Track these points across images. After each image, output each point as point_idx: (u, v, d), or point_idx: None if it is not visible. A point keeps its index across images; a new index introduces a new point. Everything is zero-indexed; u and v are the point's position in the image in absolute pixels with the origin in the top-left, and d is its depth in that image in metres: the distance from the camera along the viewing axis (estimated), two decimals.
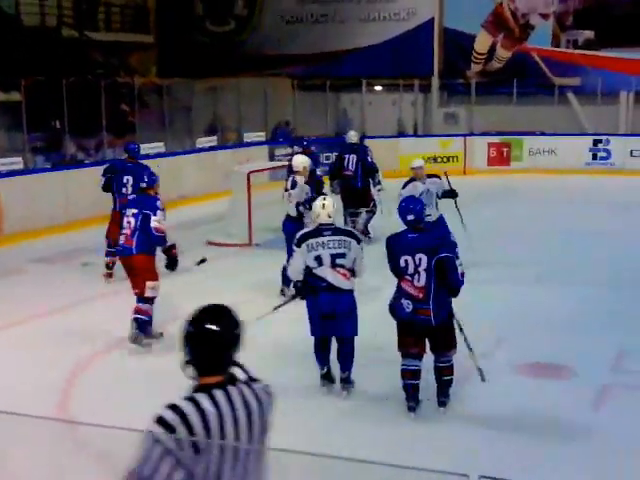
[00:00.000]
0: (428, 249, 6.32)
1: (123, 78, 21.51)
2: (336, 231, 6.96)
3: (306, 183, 9.95)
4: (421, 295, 6.33)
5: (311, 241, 6.84)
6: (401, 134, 22.70)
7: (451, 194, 10.39)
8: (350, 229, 8.24)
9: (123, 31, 25.20)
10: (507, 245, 12.16)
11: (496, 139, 21.22)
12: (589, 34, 23.19)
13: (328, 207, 6.99)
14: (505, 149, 21.09)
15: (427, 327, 6.39)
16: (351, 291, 6.89)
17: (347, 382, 7.00)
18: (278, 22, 25.41)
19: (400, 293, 6.45)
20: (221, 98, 20.13)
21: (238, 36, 25.89)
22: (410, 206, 6.53)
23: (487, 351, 7.81)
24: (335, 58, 24.48)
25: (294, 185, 9.92)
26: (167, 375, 7.06)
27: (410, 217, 6.45)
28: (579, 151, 20.74)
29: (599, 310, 9.19)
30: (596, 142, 20.96)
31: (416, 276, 6.33)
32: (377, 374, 7.22)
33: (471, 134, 21.84)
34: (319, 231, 6.91)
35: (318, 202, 7.11)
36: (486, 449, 5.92)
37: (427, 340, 6.54)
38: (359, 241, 6.99)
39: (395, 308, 6.48)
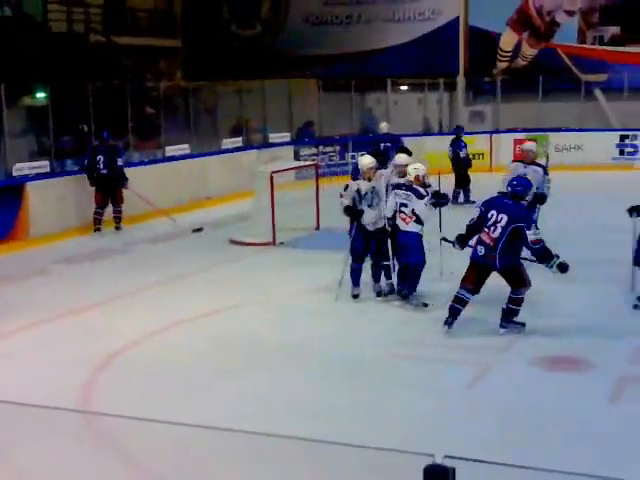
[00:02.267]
0: (512, 215, 7.99)
1: (150, 82, 21.71)
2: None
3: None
4: (492, 244, 7.99)
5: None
6: (427, 133, 22.70)
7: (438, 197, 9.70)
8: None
9: (150, 36, 25.44)
10: None
11: (522, 136, 21.12)
12: (615, 30, 23.08)
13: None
14: None
15: (492, 269, 8.11)
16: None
17: None
18: (303, 24, 25.56)
19: (478, 241, 8.19)
20: (246, 100, 20.26)
21: (264, 39, 26.05)
22: (524, 182, 8.61)
23: (504, 346, 7.89)
24: (360, 58, 24.57)
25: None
26: (188, 372, 7.31)
27: (518, 188, 8.30)
28: (606, 147, 20.62)
29: (619, 304, 9.18)
30: (623, 137, 20.86)
31: (492, 228, 8.03)
32: None
33: (497, 131, 21.79)
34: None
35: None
36: (498, 437, 5.97)
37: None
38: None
39: (472, 251, 8.28)
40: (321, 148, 20.08)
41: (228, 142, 18.35)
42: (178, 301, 9.61)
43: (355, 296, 9.54)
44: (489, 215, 8.11)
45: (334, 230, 13.43)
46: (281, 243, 12.66)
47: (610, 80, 22.73)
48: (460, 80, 24.29)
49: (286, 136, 19.74)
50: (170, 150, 16.54)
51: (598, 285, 9.78)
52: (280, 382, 7.12)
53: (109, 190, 14.06)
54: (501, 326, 8.26)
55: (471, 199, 14.95)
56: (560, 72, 23.11)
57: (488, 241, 8.06)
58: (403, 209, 9.16)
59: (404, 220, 9.16)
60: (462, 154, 16.34)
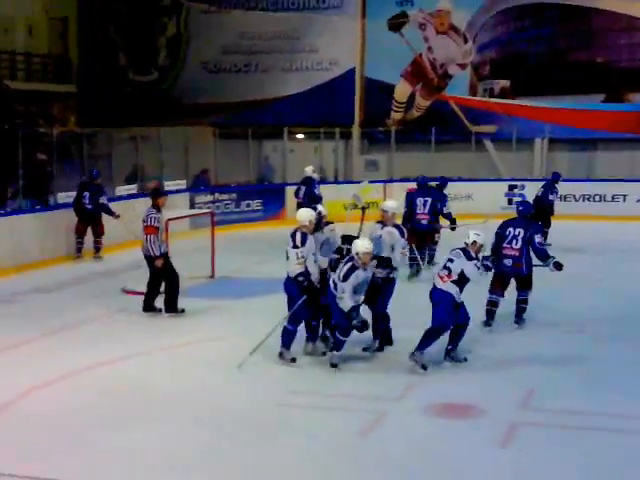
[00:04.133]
0: (526, 227, 10.06)
1: (42, 127, 21.34)
2: None
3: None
4: (517, 254, 9.97)
5: None
6: (322, 181, 22.93)
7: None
8: None
9: (44, 81, 25.10)
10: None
11: (415, 185, 21.49)
12: (505, 83, 23.87)
13: None
14: None
15: (518, 274, 10.10)
16: None
17: None
18: (201, 71, 25.66)
19: (501, 257, 10.01)
20: (142, 147, 20.11)
21: (161, 85, 26.02)
22: (527, 204, 10.91)
23: (398, 394, 7.96)
24: (257, 107, 24.78)
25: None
26: (71, 426, 7.09)
27: (521, 208, 10.46)
28: (495, 196, 21.20)
29: (509, 349, 9.40)
30: (512, 187, 21.50)
31: (514, 241, 10.00)
32: None
33: (391, 180, 22.17)
34: None
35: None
36: None
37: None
38: None
39: (498, 265, 9.87)
40: (217, 196, 20.05)
41: (123, 189, 18.12)
42: (65, 353, 9.36)
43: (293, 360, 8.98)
44: (507, 233, 10.13)
45: (229, 278, 13.46)
46: None
47: (499, 131, 23.47)
48: (355, 129, 24.72)
49: (182, 184, 19.63)
50: (62, 197, 16.23)
51: (485, 331, 10.01)
52: (167, 434, 6.99)
53: (92, 223, 15.48)
54: (516, 322, 10.23)
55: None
56: (452, 123, 23.75)
57: (513, 253, 10.05)
58: (449, 264, 8.73)
59: (442, 278, 8.73)
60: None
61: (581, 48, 23.35)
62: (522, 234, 10.04)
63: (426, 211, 13.89)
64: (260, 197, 20.69)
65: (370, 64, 24.60)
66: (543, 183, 17.24)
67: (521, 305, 10.35)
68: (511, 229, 10.14)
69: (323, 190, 18.41)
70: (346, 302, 8.31)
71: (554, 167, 22.22)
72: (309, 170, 18.19)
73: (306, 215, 8.90)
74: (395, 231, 9.36)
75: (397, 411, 7.61)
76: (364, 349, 9.19)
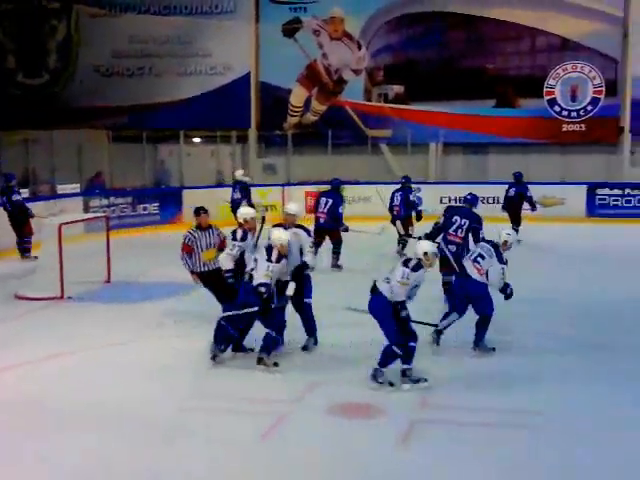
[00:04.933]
0: (471, 218, 10.98)
1: None
2: None
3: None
4: (461, 242, 10.81)
5: None
6: (220, 184, 22.80)
7: None
8: None
9: None
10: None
11: (313, 188, 21.62)
12: (399, 89, 24.18)
13: None
14: None
15: (459, 258, 10.15)
16: None
17: None
18: (93, 74, 25.15)
19: (445, 242, 10.90)
20: (34, 150, 19.58)
21: (52, 89, 25.40)
22: (474, 196, 11.62)
23: (297, 396, 7.92)
24: (152, 110, 24.42)
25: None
26: None
27: (469, 197, 11.50)
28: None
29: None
30: None
31: (459, 230, 10.90)
32: None
33: (289, 184, 22.20)
34: None
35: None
36: None
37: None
38: None
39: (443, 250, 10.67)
40: (112, 199, 19.67)
41: None
42: None
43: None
44: (453, 220, 10.99)
45: (126, 283, 13.19)
46: (69, 297, 12.16)
47: (395, 136, 23.78)
48: (252, 133, 24.67)
49: (75, 187, 19.19)
50: None
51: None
52: (67, 441, 6.81)
53: (15, 223, 15.51)
54: None
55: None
56: (348, 127, 23.95)
57: (458, 240, 10.87)
58: (480, 260, 9.07)
59: (479, 271, 9.04)
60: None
61: (471, 55, 23.85)
62: (467, 224, 10.89)
63: (325, 210, 14.26)
64: (157, 201, 20.40)
65: (265, 69, 24.58)
66: (510, 183, 17.66)
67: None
68: (457, 217, 11.04)
69: (222, 194, 18.31)
70: (400, 292, 8.03)
71: (449, 171, 22.76)
72: (239, 174, 18.11)
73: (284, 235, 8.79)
74: (301, 231, 9.35)
75: (298, 412, 7.57)
76: (303, 348, 9.25)
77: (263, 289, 8.45)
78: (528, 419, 7.35)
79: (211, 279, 9.81)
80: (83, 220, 15.82)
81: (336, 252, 14.45)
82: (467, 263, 9.23)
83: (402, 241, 15.42)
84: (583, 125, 23.11)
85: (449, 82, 23.63)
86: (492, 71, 23.63)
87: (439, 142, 23.47)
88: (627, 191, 20.99)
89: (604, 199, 21.10)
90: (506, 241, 9.13)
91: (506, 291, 9.03)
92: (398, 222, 15.59)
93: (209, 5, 24.61)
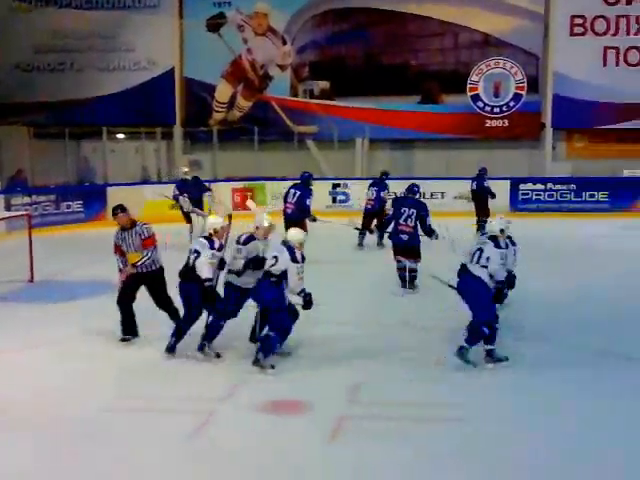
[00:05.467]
0: (418, 207, 11.94)
1: None
2: None
3: None
4: (412, 230, 11.82)
5: None
6: (145, 181, 22.53)
7: None
8: None
9: None
10: None
11: (240, 185, 21.55)
12: (324, 84, 24.22)
13: None
14: (249, 194, 21.43)
15: (410, 245, 11.75)
16: None
17: None
18: (13, 71, 24.62)
19: (397, 232, 11.95)
20: None
21: None
22: (417, 186, 12.85)
23: (225, 394, 7.85)
24: (74, 106, 24.01)
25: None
26: None
27: (415, 189, 12.58)
28: (320, 195, 21.38)
29: (335, 345, 9.42)
30: (335, 186, 21.83)
31: (409, 220, 11.82)
32: None
33: (215, 180, 22.03)
34: None
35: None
36: None
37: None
38: None
39: (394, 238, 12.05)
40: (35, 197, 19.24)
41: None
42: None
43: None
44: (402, 211, 11.86)
45: (50, 282, 12.91)
46: None
47: (321, 132, 23.81)
48: (177, 129, 24.45)
49: None
50: None
51: (317, 326, 10.02)
52: None
53: None
54: (410, 288, 11.72)
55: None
56: (274, 123, 23.90)
57: (408, 230, 11.82)
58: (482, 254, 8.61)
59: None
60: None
61: (396, 51, 24.01)
62: (415, 214, 11.81)
63: (293, 202, 14.66)
64: (81, 198, 20.01)
65: (190, 64, 24.39)
66: (473, 177, 18.26)
67: (412, 274, 11.79)
68: (405, 209, 11.94)
69: (147, 191, 18.09)
70: (501, 273, 8.52)
71: (375, 166, 22.82)
72: (184, 171, 17.72)
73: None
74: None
75: (226, 410, 7.49)
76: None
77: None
78: (451, 412, 7.39)
79: (144, 282, 9.32)
80: (4, 218, 15.43)
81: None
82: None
83: (362, 233, 15.99)
84: (506, 121, 23.48)
85: (374, 78, 23.78)
86: (417, 67, 23.84)
87: (365, 138, 23.55)
88: (549, 186, 21.38)
89: (527, 194, 21.44)
90: (503, 229, 8.87)
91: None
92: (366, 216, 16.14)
93: None
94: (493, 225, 8.79)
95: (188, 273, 8.60)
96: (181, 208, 16.14)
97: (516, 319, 10.20)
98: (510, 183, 21.46)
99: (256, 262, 8.58)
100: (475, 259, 8.49)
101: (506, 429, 6.98)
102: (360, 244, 15.94)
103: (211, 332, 8.75)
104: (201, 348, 8.77)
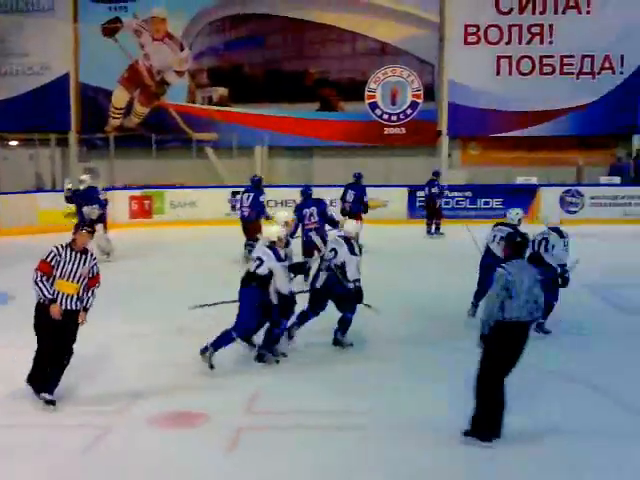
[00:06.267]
0: (317, 205, 13.33)
1: None
2: None
3: None
4: (318, 225, 13.09)
5: None
6: (40, 189, 21.99)
7: None
8: None
9: None
10: (143, 298, 12.17)
11: (137, 192, 21.23)
12: (223, 91, 24.10)
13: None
14: (147, 202, 21.16)
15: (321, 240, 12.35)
16: None
17: None
18: None
19: (305, 231, 13.02)
20: None
21: None
22: (309, 187, 14.15)
23: (121, 407, 7.69)
24: None
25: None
26: None
27: (309, 192, 13.67)
28: (219, 202, 21.34)
29: (232, 355, 9.32)
30: (234, 193, 21.67)
31: (311, 217, 13.14)
32: None
33: (112, 188, 21.64)
34: None
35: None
36: None
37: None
38: None
39: (305, 236, 13.01)
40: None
41: None
42: None
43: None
44: (304, 213, 13.10)
45: None
46: None
47: (220, 139, 23.66)
48: (72, 136, 23.97)
49: None
50: None
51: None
52: None
53: None
54: None
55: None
56: (172, 130, 23.66)
57: (313, 227, 13.00)
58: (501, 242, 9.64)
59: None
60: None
61: (295, 58, 24.06)
62: (316, 210, 13.21)
63: (248, 204, 15.27)
64: None
65: (85, 69, 23.98)
66: (426, 182, 19.42)
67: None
68: (306, 210, 13.29)
69: (41, 199, 17.64)
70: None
71: (274, 174, 22.85)
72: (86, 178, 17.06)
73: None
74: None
75: (121, 424, 7.35)
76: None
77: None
78: (354, 420, 7.42)
79: (65, 321, 7.56)
80: None
81: (250, 245, 14.68)
82: (493, 244, 10.60)
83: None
84: (403, 128, 23.78)
85: (274, 85, 23.81)
86: (315, 74, 23.93)
87: (264, 145, 23.50)
88: (446, 193, 21.70)
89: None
90: (520, 219, 10.68)
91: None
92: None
93: (25, 2, 23.74)
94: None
95: (249, 279, 8.73)
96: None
97: (392, 325, 10.40)
98: (408, 190, 21.74)
99: (298, 267, 9.55)
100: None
101: (402, 440, 7.04)
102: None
103: (273, 339, 9.00)
104: (260, 357, 9.05)
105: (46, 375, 7.62)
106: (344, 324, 9.50)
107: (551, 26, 23.23)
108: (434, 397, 7.91)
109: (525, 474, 6.45)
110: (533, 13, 23.26)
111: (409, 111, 23.75)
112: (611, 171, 23.54)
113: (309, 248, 12.83)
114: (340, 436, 7.09)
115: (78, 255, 7.60)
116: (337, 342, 9.54)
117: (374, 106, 23.72)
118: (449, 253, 16.47)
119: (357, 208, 16.65)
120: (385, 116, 23.76)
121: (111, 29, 23.57)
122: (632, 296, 12.37)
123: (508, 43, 23.40)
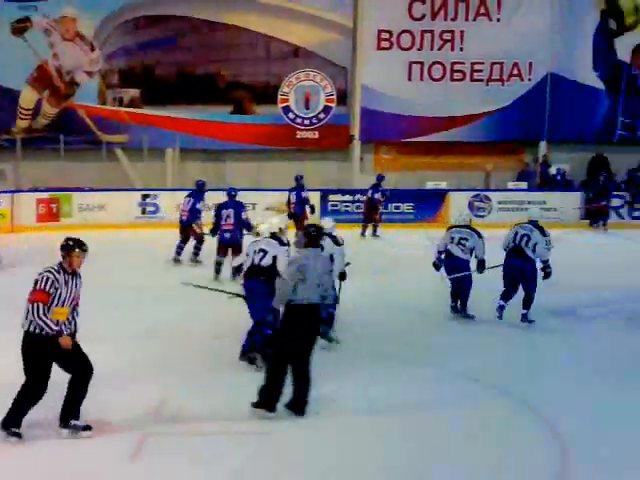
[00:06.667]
0: (235, 207, 13.83)
1: None
2: None
3: None
4: (233, 227, 13.63)
5: None
6: None
7: None
8: None
9: None
10: None
11: (45, 195, 20.77)
12: (134, 93, 23.76)
13: None
14: (54, 205, 20.72)
15: (234, 243, 13.45)
16: None
17: None
18: None
19: (222, 231, 13.73)
20: None
21: None
22: (235, 189, 14.57)
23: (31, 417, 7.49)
24: None
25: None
26: None
27: (233, 193, 14.25)
28: (128, 206, 21.04)
29: (143, 360, 9.24)
30: (145, 197, 21.44)
31: (228, 219, 13.68)
32: None
33: (19, 191, 21.15)
34: None
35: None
36: None
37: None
38: None
39: (220, 237, 13.67)
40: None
41: None
42: None
43: None
44: (223, 214, 13.73)
45: None
46: None
47: (131, 141, 23.31)
48: None
49: None
50: None
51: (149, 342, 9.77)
52: None
53: None
54: (233, 276, 12.18)
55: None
56: (82, 131, 23.22)
57: (229, 227, 13.65)
58: (463, 242, 11.30)
59: (463, 251, 11.33)
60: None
61: (208, 61, 23.89)
62: (233, 213, 13.68)
63: (187, 208, 15.54)
64: None
65: None
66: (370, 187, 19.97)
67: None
68: (224, 210, 13.81)
69: None
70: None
71: (186, 177, 22.61)
72: None
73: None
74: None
75: (24, 432, 7.10)
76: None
77: None
78: (259, 425, 7.38)
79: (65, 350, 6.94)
80: None
81: (197, 248, 15.43)
82: (452, 246, 11.30)
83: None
84: (316, 132, 23.84)
85: (186, 87, 23.62)
86: (228, 77, 23.80)
87: (176, 147, 23.25)
88: (357, 197, 21.83)
89: (336, 205, 21.85)
90: (470, 219, 11.82)
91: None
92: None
93: None
94: (534, 213, 11.87)
95: (253, 271, 8.97)
96: None
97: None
98: (320, 194, 21.80)
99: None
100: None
101: (315, 437, 7.07)
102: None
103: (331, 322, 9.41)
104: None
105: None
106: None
107: (462, 33, 23.61)
108: (329, 396, 7.95)
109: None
110: (445, 19, 23.59)
111: (322, 115, 23.81)
112: (519, 177, 24.05)
113: (224, 247, 13.76)
114: (246, 441, 7.05)
115: (70, 277, 6.96)
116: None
117: (287, 110, 23.72)
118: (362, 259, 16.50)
119: (301, 210, 17.74)
120: (298, 120, 23.77)
121: (20, 28, 22.97)
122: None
123: (420, 49, 23.69)
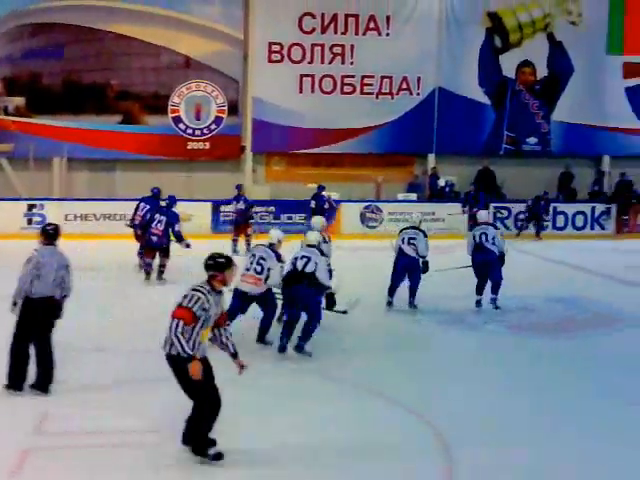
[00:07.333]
0: (168, 215, 14.64)
1: None
2: None
3: None
4: (161, 233, 14.56)
5: None
6: None
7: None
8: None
9: None
10: None
11: None
12: (20, 101, 23.15)
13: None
14: None
15: (162, 246, 14.75)
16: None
17: None
18: None
19: (149, 234, 14.63)
20: None
21: None
22: (173, 197, 15.34)
23: None
24: None
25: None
26: None
27: (168, 201, 15.18)
28: (14, 216, 20.50)
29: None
30: (31, 207, 20.94)
31: (158, 224, 14.60)
32: None
33: None
34: None
35: None
36: None
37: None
38: None
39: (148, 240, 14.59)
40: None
41: None
42: None
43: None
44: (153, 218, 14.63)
45: None
46: None
47: (16, 150, 22.69)
48: None
49: None
50: None
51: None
52: None
53: None
54: (158, 279, 14.71)
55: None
56: None
57: (158, 232, 14.52)
58: (413, 242, 12.74)
59: (415, 250, 12.73)
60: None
61: (96, 70, 23.45)
62: (164, 220, 14.51)
63: (141, 214, 15.79)
64: None
65: None
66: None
67: (162, 269, 14.77)
68: (157, 215, 14.67)
69: None
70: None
71: (74, 187, 22.19)
72: None
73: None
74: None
75: None
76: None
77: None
78: (143, 438, 7.29)
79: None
80: None
81: (141, 254, 15.69)
82: (404, 246, 12.71)
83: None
84: (208, 143, 23.71)
85: (74, 96, 23.16)
86: (117, 87, 23.44)
87: (64, 157, 22.77)
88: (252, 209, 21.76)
89: (228, 215, 21.73)
90: (421, 220, 13.55)
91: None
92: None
93: None
94: (482, 215, 14.12)
95: (298, 278, 10.08)
96: None
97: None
98: (212, 205, 21.69)
99: None
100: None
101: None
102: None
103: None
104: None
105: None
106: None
107: (352, 47, 23.91)
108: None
109: None
110: (335, 33, 23.85)
111: (213, 126, 23.70)
112: (408, 188, 24.48)
113: (151, 249, 14.91)
114: (130, 454, 6.93)
115: (217, 296, 6.71)
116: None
117: (178, 120, 23.51)
118: None
119: (244, 219, 18.84)
120: (189, 130, 23.59)
121: None
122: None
123: (311, 62, 23.86)
